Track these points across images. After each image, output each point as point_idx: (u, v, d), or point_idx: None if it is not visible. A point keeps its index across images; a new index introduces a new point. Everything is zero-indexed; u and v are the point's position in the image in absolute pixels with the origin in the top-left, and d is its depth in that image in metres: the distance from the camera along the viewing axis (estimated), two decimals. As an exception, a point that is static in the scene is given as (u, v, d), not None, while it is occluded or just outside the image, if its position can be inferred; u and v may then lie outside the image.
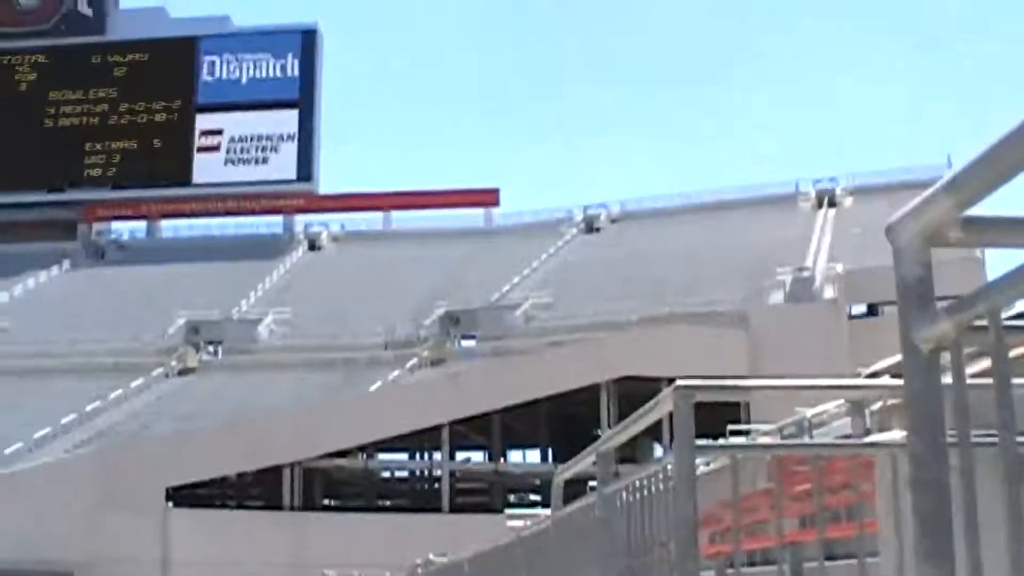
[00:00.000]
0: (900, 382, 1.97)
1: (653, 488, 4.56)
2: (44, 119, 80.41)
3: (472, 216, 75.48)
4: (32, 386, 52.70)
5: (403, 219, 76.83)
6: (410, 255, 67.80)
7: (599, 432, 42.12)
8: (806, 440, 16.19)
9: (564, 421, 46.84)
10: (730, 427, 24.78)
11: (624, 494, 5.23)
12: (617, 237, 67.72)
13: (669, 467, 4.14)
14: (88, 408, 48.59)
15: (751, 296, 46.74)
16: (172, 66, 79.93)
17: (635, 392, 40.48)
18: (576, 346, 45.10)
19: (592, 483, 11.23)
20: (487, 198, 75.97)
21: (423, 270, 63.73)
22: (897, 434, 4.32)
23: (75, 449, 44.39)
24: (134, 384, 51.64)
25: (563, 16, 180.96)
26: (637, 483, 4.86)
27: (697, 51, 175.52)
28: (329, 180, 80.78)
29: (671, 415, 3.96)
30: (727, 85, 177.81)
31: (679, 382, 3.77)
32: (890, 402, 4.41)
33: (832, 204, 65.22)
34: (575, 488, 8.55)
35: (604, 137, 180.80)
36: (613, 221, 71.45)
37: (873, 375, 4.87)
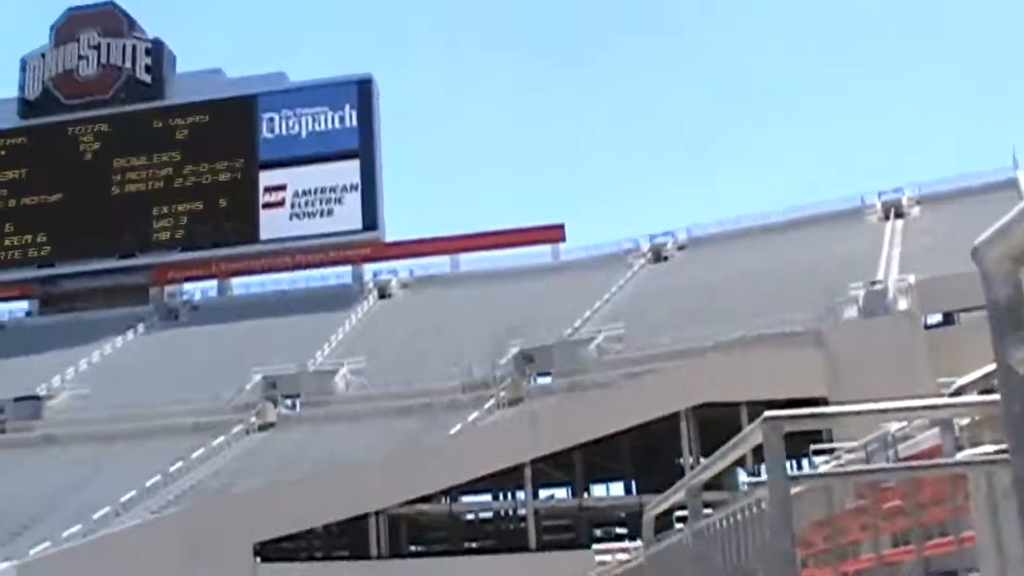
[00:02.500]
0: (991, 398, 1.95)
1: (745, 519, 4.53)
2: (111, 186, 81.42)
3: (539, 253, 75.48)
4: (115, 450, 53.21)
5: (471, 261, 76.98)
6: (480, 296, 67.89)
7: (680, 461, 41.99)
8: (891, 455, 16.04)
9: (645, 452, 46.58)
10: (813, 447, 24.62)
11: (716, 526, 5.20)
12: (685, 264, 67.48)
13: (762, 501, 4.12)
14: (171, 469, 48.87)
15: (825, 314, 46.38)
16: (232, 125, 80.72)
17: (715, 418, 40.43)
18: (652, 376, 44.87)
19: (679, 512, 11.17)
20: (553, 234, 75.96)
21: (494, 310, 63.75)
22: (989, 448, 4.27)
23: (161, 510, 44.56)
24: (215, 442, 51.91)
25: (620, 50, 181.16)
26: (729, 517, 4.83)
27: (751, 74, 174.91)
28: (395, 227, 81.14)
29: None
30: (785, 105, 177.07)
31: (768, 413, 3.74)
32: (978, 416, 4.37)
33: (899, 215, 64.66)
34: (659, 519, 8.50)
35: (667, 165, 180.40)
36: (680, 248, 71.21)
37: (959, 390, 4.81)
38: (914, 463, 8.10)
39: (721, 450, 4.95)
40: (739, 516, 4.88)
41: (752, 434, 4.11)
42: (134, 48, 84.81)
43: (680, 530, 7.57)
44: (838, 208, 67.13)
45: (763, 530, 4.30)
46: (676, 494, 6.41)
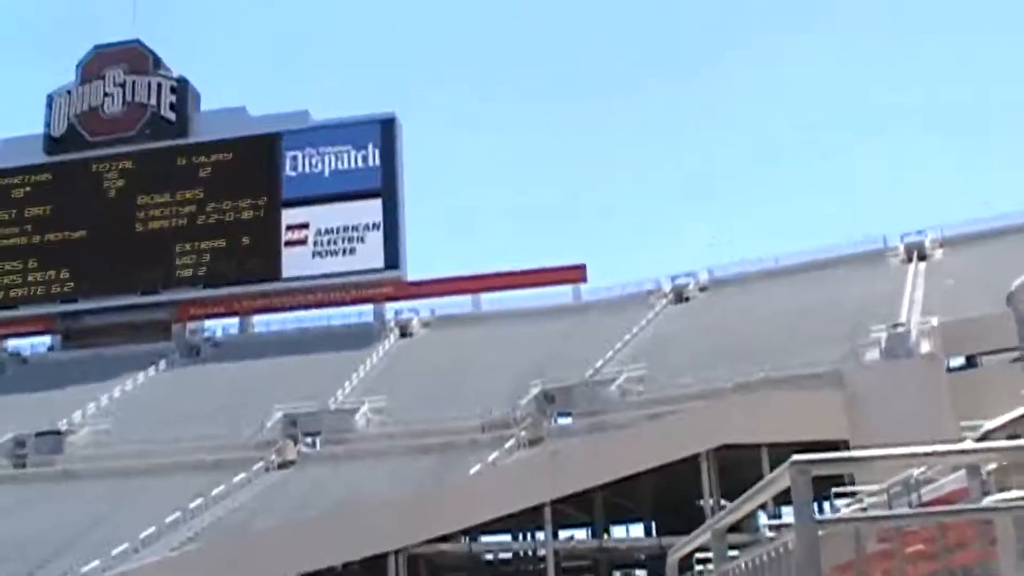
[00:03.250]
0: (1021, 443, 1.95)
1: (772, 562, 4.50)
2: (134, 223, 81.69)
3: (561, 293, 75.46)
4: (135, 486, 53.24)
5: (492, 300, 76.95)
6: (501, 336, 67.91)
7: (701, 503, 41.85)
8: (914, 499, 15.96)
9: (666, 493, 46.49)
10: (835, 490, 24.53)
11: (742, 570, 5.18)
12: (707, 305, 67.41)
13: (789, 544, 4.10)
14: (191, 505, 48.88)
15: (846, 355, 46.25)
16: (255, 163, 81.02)
17: (735, 460, 40.34)
18: (673, 417, 44.82)
19: (700, 555, 11.15)
20: (574, 274, 75.92)
21: (515, 350, 63.75)
22: (1017, 493, 4.25)
23: (181, 547, 44.57)
24: (235, 479, 51.91)
25: (642, 90, 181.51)
26: (755, 560, 4.80)
27: (773, 114, 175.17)
28: (417, 266, 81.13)
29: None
30: (807, 147, 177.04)
31: (795, 457, 3.73)
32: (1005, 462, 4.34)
33: (922, 257, 64.52)
34: (681, 561, 8.49)
35: (688, 206, 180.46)
36: (702, 289, 71.13)
37: (986, 435, 4.79)
38: (943, 508, 8.06)
39: (748, 493, 4.93)
40: (765, 559, 4.86)
41: (779, 478, 4.10)
42: (159, 86, 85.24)
43: (705, 572, 7.54)
44: (860, 250, 66.97)
45: (790, 574, 4.28)
46: (701, 536, 6.39)
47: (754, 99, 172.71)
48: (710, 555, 10.91)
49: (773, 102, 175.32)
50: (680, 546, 6.97)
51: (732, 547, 5.91)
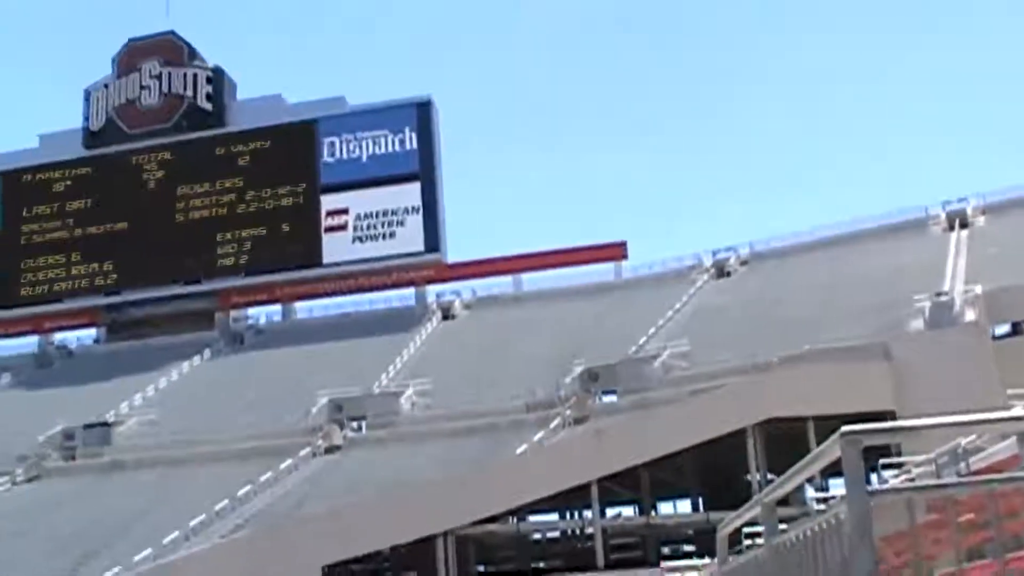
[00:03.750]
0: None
1: (823, 535, 4.48)
2: (175, 214, 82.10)
3: (602, 271, 75.44)
4: (183, 475, 53.55)
5: (533, 280, 76.92)
6: (544, 315, 67.88)
7: (748, 477, 41.77)
8: (963, 468, 15.88)
9: (712, 468, 46.41)
10: (882, 461, 24.43)
11: (793, 542, 5.16)
12: (749, 279, 67.23)
13: (841, 515, 4.08)
14: (239, 493, 49.10)
15: (890, 326, 46.02)
16: (293, 151, 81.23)
17: (781, 434, 40.25)
18: (718, 392, 44.67)
19: (748, 529, 11.12)
20: (615, 252, 75.81)
21: (558, 329, 63.76)
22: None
23: (230, 534, 44.78)
24: (282, 466, 52.11)
25: (681, 64, 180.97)
26: (807, 533, 4.79)
27: (811, 87, 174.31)
28: (457, 248, 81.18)
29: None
30: (846, 117, 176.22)
31: (845, 428, 3.72)
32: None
33: (964, 225, 64.06)
34: (729, 535, 8.46)
35: (729, 179, 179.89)
36: (743, 263, 70.91)
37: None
38: (994, 476, 8.02)
39: (798, 465, 4.92)
40: (816, 531, 4.85)
41: (830, 449, 4.09)
42: (195, 76, 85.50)
43: (755, 546, 7.52)
44: (902, 219, 66.53)
45: (842, 546, 4.27)
46: (751, 510, 6.38)
47: (795, 69, 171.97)
48: (759, 529, 10.90)
49: (814, 72, 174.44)
50: (730, 520, 6.97)
51: (780, 520, 5.91)
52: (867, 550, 3.83)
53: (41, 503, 53.99)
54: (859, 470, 3.80)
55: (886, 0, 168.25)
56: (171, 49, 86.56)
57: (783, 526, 5.65)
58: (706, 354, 52.24)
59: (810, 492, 31.44)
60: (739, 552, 9.13)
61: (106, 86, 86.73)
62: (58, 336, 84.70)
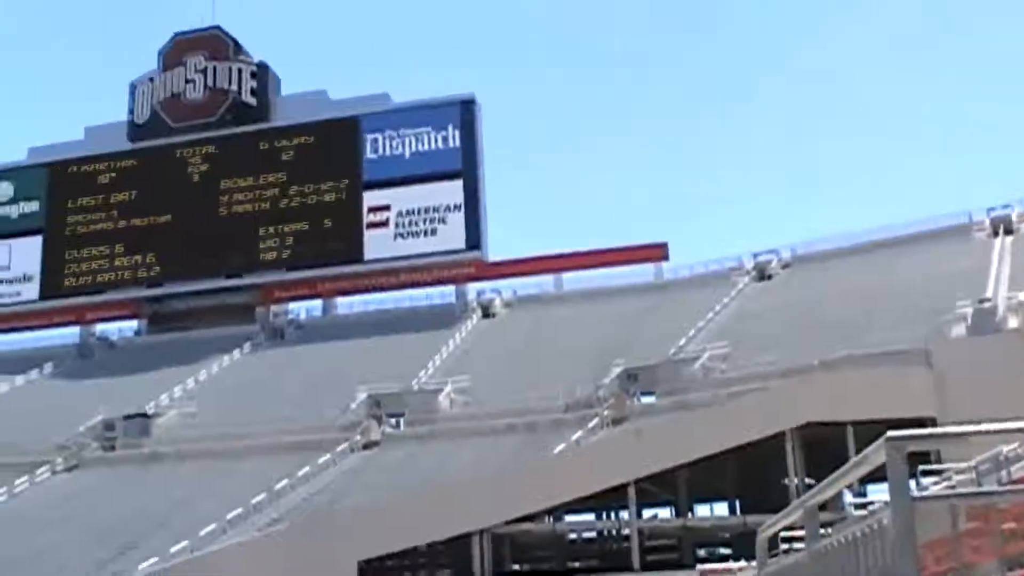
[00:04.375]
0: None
1: (866, 540, 4.46)
2: (218, 207, 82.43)
3: (642, 272, 75.32)
4: (222, 467, 53.73)
5: (574, 280, 76.90)
6: (584, 315, 67.84)
7: (785, 481, 41.58)
8: (1004, 476, 15.76)
9: (749, 471, 46.22)
10: (922, 467, 24.29)
11: (834, 547, 5.14)
12: (790, 282, 66.99)
13: (884, 520, 4.06)
14: (277, 486, 49.21)
15: (932, 332, 45.69)
16: (336, 146, 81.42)
17: (820, 438, 40.06)
18: (757, 395, 44.52)
19: (785, 533, 11.07)
20: (656, 252, 75.67)
21: (598, 329, 63.67)
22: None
23: (267, 527, 44.87)
24: (320, 460, 52.20)
25: (724, 66, 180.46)
26: (849, 537, 4.76)
27: (855, 89, 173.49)
28: (498, 246, 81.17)
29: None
30: (890, 121, 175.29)
31: (890, 433, 3.70)
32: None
33: (1009, 231, 63.60)
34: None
35: (770, 182, 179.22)
36: (785, 266, 70.68)
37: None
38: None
39: (841, 470, 4.91)
40: (859, 536, 4.82)
41: (874, 454, 4.06)
42: (239, 71, 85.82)
43: (795, 550, 7.49)
44: (945, 225, 66.12)
45: (884, 551, 4.24)
46: (792, 514, 6.36)
47: (840, 73, 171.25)
48: (797, 532, 10.86)
49: (858, 75, 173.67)
50: (770, 524, 6.95)
51: (824, 525, 5.89)
52: (910, 556, 3.81)
53: (80, 493, 54.31)
54: (903, 476, 3.78)
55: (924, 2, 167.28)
56: (216, 44, 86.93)
57: (826, 531, 5.64)
58: (746, 357, 52.06)
59: (847, 497, 31.32)
60: (777, 556, 9.09)
61: (151, 80, 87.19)
62: (100, 327, 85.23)
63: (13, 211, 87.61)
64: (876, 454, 4.09)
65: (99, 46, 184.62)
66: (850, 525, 4.89)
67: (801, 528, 7.74)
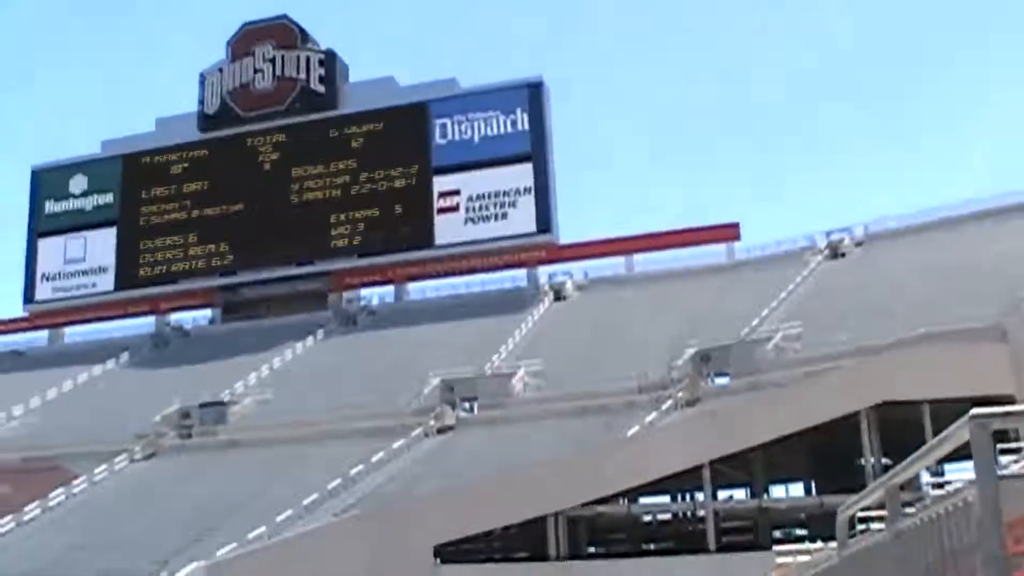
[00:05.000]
0: None
1: (949, 519, 4.40)
2: (289, 195, 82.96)
3: (714, 252, 74.97)
4: (297, 454, 54.09)
5: (645, 261, 76.78)
6: (656, 297, 67.68)
7: (861, 461, 41.27)
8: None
9: (824, 452, 45.91)
10: (1000, 446, 24.08)
11: (916, 526, 5.08)
12: (863, 260, 66.48)
13: (969, 498, 4.01)
14: (352, 472, 49.50)
15: (1008, 309, 45.17)
16: (406, 132, 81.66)
17: (895, 417, 39.69)
18: (831, 375, 44.17)
19: (862, 513, 10.99)
20: (728, 233, 75.35)
21: (670, 311, 63.50)
22: None
23: (343, 513, 45.12)
24: (395, 446, 52.44)
25: (789, 42, 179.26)
26: (930, 516, 4.71)
27: (923, 63, 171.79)
28: (569, 229, 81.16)
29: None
30: (966, 94, 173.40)
31: (975, 411, 3.65)
32: None
33: (1088, 206, 62.80)
34: (834, 520, 8.36)
35: (845, 160, 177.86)
36: (858, 244, 70.17)
37: None
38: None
39: (923, 449, 4.85)
40: (942, 514, 4.77)
41: (957, 433, 4.02)
42: (308, 59, 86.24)
43: (874, 531, 7.43)
44: (1019, 200, 65.28)
45: (968, 530, 4.19)
46: (873, 494, 6.30)
47: (917, 45, 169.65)
48: (874, 513, 10.78)
49: (935, 50, 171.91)
50: (851, 504, 6.88)
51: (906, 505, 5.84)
52: (995, 534, 3.77)
53: (158, 480, 54.92)
54: (989, 454, 3.74)
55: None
56: (284, 33, 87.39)
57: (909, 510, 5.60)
58: (819, 336, 51.73)
59: (924, 477, 31.07)
60: (856, 535, 9.03)
61: (220, 70, 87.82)
62: (174, 316, 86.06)
63: (88, 203, 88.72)
64: (960, 432, 4.04)
65: (168, 38, 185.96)
66: (933, 504, 4.84)
67: (878, 508, 7.69)
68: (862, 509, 7.73)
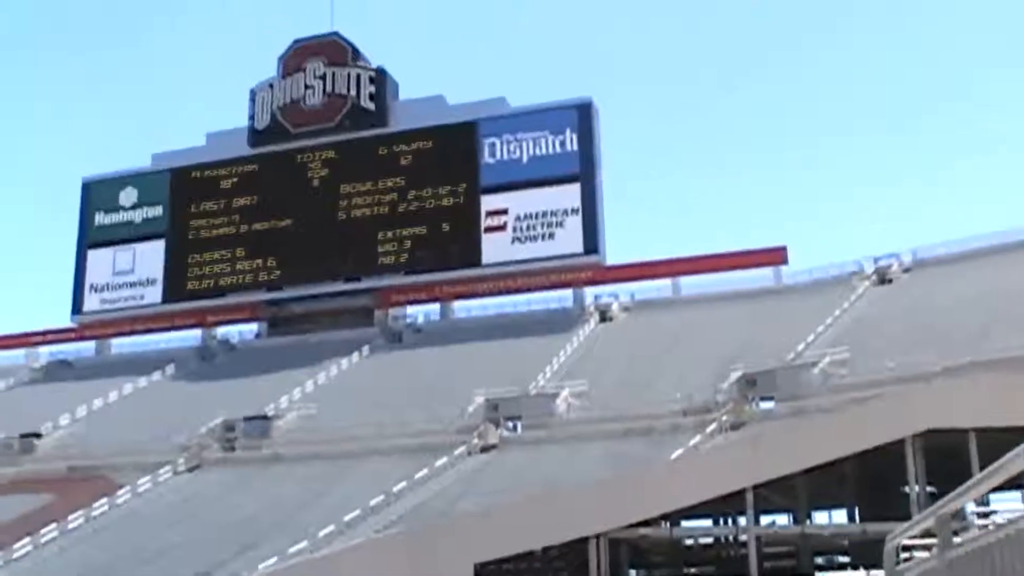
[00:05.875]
0: None
1: (1003, 549, 4.36)
2: (337, 212, 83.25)
3: (761, 276, 74.74)
4: (340, 469, 54.23)
5: (692, 284, 76.65)
6: (702, 320, 67.51)
7: (905, 489, 40.98)
8: None
9: (868, 479, 45.64)
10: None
11: (968, 555, 5.04)
12: (911, 287, 66.13)
13: (1022, 526, 3.99)
14: (395, 489, 49.56)
15: (1057, 338, 44.90)
16: (455, 151, 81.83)
17: (941, 445, 39.39)
18: (877, 401, 43.92)
19: (908, 541, 10.92)
20: (775, 257, 75.10)
21: (716, 334, 63.34)
22: None
23: (384, 529, 45.17)
24: (438, 463, 52.49)
25: (834, 66, 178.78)
26: (983, 545, 4.68)
27: (966, 89, 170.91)
28: (615, 250, 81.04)
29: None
30: (1007, 122, 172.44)
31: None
32: None
33: None
34: (877, 547, 8.30)
35: (892, 186, 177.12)
36: (906, 271, 69.82)
37: None
38: None
39: (976, 477, 4.82)
40: (995, 544, 4.74)
41: (1012, 462, 4.00)
42: (358, 77, 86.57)
43: (921, 559, 7.37)
44: (1070, 228, 64.88)
45: (1022, 559, 4.17)
46: (924, 522, 6.27)
47: (961, 73, 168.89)
48: (919, 541, 10.72)
49: (984, 74, 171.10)
50: (900, 532, 6.84)
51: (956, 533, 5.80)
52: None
53: (202, 493, 55.14)
54: (1044, 483, 3.72)
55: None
56: (335, 50, 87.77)
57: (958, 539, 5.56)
58: (866, 362, 51.50)
59: (970, 506, 30.83)
60: (902, 564, 8.97)
61: (271, 86, 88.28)
62: (221, 330, 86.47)
63: (137, 216, 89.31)
64: (1015, 461, 4.01)
65: (220, 53, 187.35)
66: (985, 534, 4.81)
67: (923, 536, 7.63)
68: (908, 538, 7.69)
